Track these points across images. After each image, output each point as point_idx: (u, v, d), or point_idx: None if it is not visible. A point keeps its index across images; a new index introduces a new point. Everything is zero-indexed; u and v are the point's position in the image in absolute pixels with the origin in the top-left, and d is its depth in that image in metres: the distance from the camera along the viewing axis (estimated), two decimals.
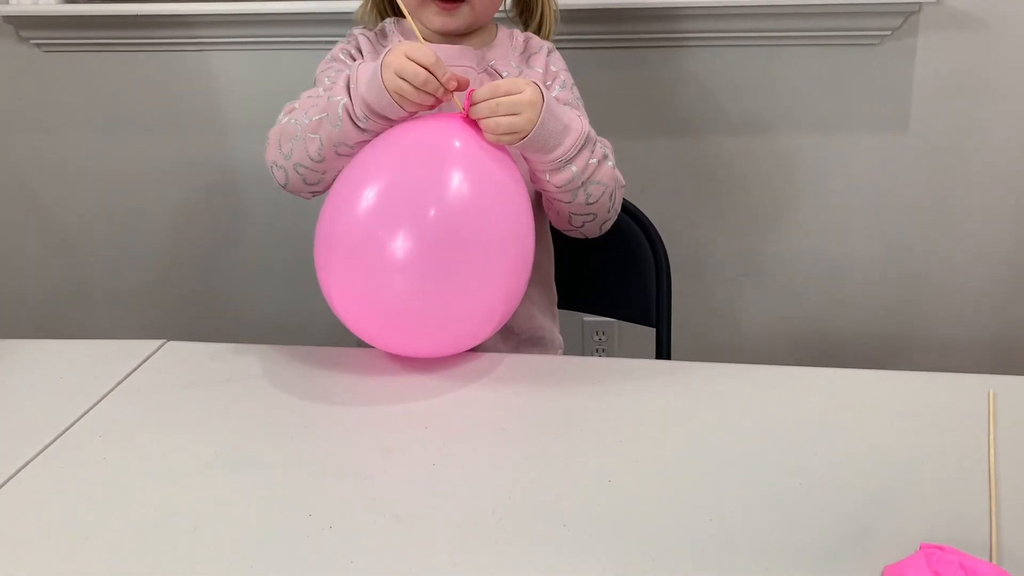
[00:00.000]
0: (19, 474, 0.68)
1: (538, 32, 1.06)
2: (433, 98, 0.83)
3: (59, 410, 0.77)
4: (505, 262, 0.82)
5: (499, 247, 0.82)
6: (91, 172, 1.60)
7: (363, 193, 0.80)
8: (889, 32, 1.38)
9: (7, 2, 1.49)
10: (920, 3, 1.35)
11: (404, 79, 0.81)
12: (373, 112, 0.84)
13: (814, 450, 0.69)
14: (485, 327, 0.85)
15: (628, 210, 1.14)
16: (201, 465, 0.69)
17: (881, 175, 1.47)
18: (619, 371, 0.84)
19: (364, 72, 0.85)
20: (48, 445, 0.72)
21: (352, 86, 0.86)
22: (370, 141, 0.87)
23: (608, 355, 1.61)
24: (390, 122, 0.87)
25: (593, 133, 0.89)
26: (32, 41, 1.52)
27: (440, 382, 0.82)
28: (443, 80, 0.82)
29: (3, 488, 0.67)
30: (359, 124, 0.86)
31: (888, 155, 1.45)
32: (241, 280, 1.64)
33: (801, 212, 1.50)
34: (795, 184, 1.49)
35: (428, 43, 0.86)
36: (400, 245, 0.77)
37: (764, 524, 0.60)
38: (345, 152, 0.88)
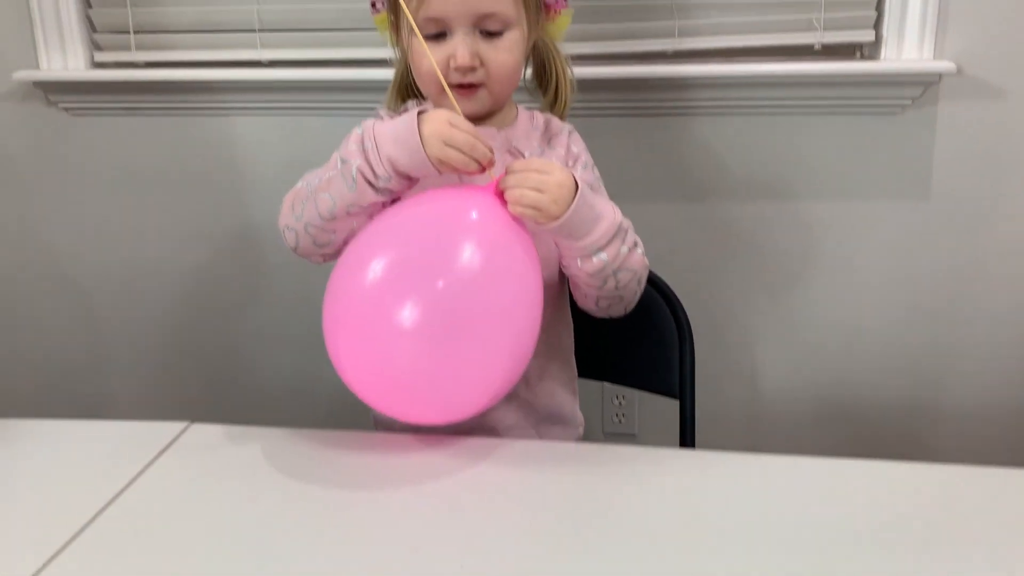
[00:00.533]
0: (48, 566, 0.68)
1: (554, 102, 1.07)
2: (479, 165, 0.85)
3: (88, 496, 0.77)
4: (510, 333, 0.83)
5: (505, 318, 0.82)
6: (113, 233, 1.61)
7: (373, 259, 0.81)
8: (910, 101, 1.39)
9: (38, 68, 1.52)
10: (940, 74, 1.35)
11: (453, 146, 0.83)
12: (398, 172, 0.85)
13: (846, 553, 0.68)
14: (488, 395, 0.85)
15: (650, 279, 1.14)
16: (227, 558, 0.68)
17: (903, 242, 1.46)
18: (642, 460, 0.84)
19: (386, 132, 0.86)
20: (77, 535, 0.71)
21: (369, 146, 0.86)
22: (384, 203, 0.88)
23: (628, 423, 1.60)
24: (411, 182, 0.88)
25: (626, 223, 0.91)
26: (60, 105, 1.55)
27: (460, 463, 0.82)
28: (486, 145, 0.85)
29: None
30: (377, 185, 0.86)
31: (909, 222, 1.45)
32: (258, 341, 1.64)
33: (822, 277, 1.50)
34: (815, 250, 1.48)
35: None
36: (407, 312, 0.78)
37: None
38: (357, 212, 0.89)
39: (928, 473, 0.80)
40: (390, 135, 0.85)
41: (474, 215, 0.84)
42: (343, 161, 0.88)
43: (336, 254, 0.91)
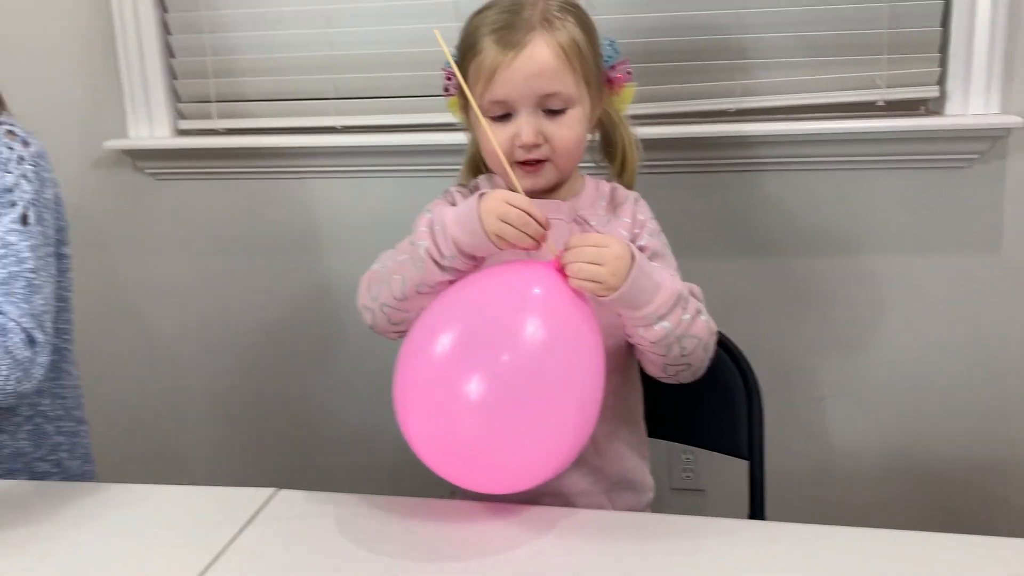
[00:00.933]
0: None
1: (621, 170, 1.10)
2: (532, 240, 0.88)
3: (186, 562, 0.81)
4: (573, 403, 0.85)
5: (568, 389, 0.85)
6: (193, 290, 1.68)
7: (440, 333, 0.85)
8: (977, 155, 1.38)
9: (127, 137, 1.61)
10: (1009, 128, 1.35)
11: (507, 222, 0.87)
12: (462, 252, 0.89)
13: None
14: (553, 465, 0.87)
15: (717, 340, 1.15)
16: None
17: (973, 296, 1.44)
18: (711, 532, 0.85)
19: (450, 214, 0.91)
20: None
21: (436, 228, 0.91)
22: (451, 281, 0.92)
23: (696, 480, 1.59)
24: (475, 262, 0.91)
25: (686, 291, 0.92)
26: (147, 170, 1.64)
27: (530, 533, 0.85)
28: (541, 221, 0.88)
29: None
30: (442, 264, 0.91)
31: (980, 276, 1.43)
32: (327, 396, 1.69)
33: (890, 331, 1.48)
34: (884, 304, 1.47)
35: (521, 195, 0.90)
36: (472, 385, 0.81)
37: None
38: (426, 291, 0.93)
39: (1006, 548, 0.79)
40: (454, 217, 0.91)
41: (536, 290, 0.87)
42: (413, 244, 0.93)
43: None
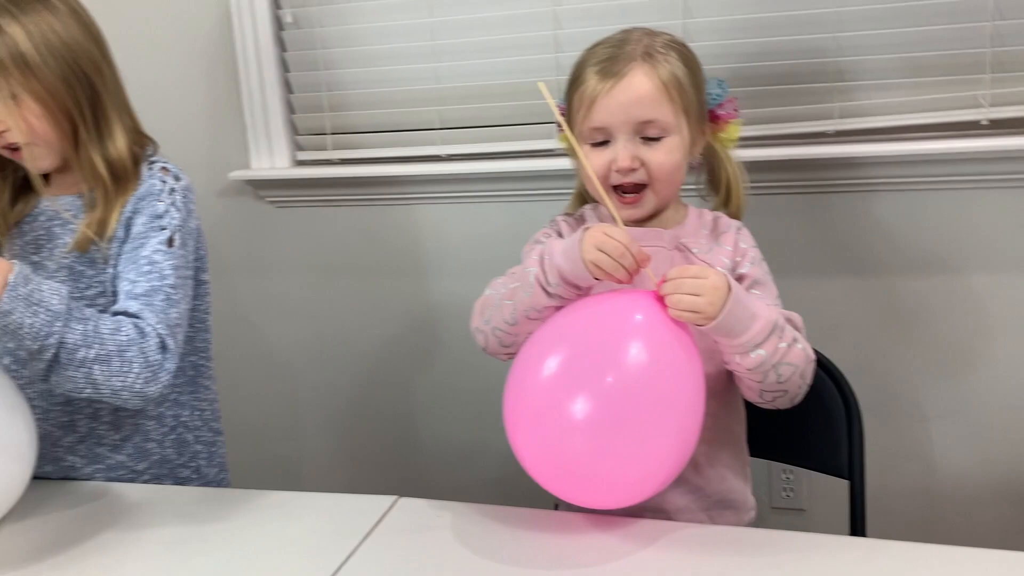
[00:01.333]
0: None
1: (726, 201, 1.13)
2: (626, 271, 0.92)
3: (317, 565, 0.88)
4: (673, 426, 0.89)
5: (668, 411, 0.88)
6: (309, 310, 1.79)
7: (548, 356, 0.91)
8: None
9: (249, 167, 1.73)
10: None
11: (603, 251, 0.91)
12: (565, 280, 0.94)
13: None
14: (653, 483, 0.91)
15: (817, 360, 1.15)
16: None
17: None
18: (812, 548, 0.87)
19: (558, 245, 0.96)
20: None
21: (546, 258, 0.96)
22: (559, 307, 0.97)
23: (796, 499, 1.59)
24: (578, 290, 0.96)
25: (782, 320, 0.95)
26: (267, 199, 1.76)
27: (632, 546, 0.89)
28: (636, 254, 0.91)
29: None
30: (549, 291, 0.96)
31: None
32: (432, 410, 1.77)
33: (998, 352, 1.46)
34: (989, 325, 1.45)
35: (620, 225, 0.95)
36: (578, 405, 0.86)
37: None
38: (535, 317, 0.98)
39: None
40: (561, 247, 0.96)
41: (638, 316, 0.91)
42: (525, 271, 0.99)
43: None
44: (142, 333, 1.02)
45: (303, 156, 1.73)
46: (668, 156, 1.02)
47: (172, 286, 1.07)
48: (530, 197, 1.61)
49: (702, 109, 1.07)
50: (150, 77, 1.73)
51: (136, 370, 1.00)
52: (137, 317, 1.03)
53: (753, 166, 1.36)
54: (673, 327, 0.91)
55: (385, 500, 0.99)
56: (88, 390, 0.99)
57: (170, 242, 1.09)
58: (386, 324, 1.76)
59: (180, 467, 1.19)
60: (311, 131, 1.72)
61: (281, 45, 1.68)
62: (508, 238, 1.62)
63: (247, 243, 1.79)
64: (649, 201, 1.04)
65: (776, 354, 0.93)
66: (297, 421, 1.86)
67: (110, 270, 1.11)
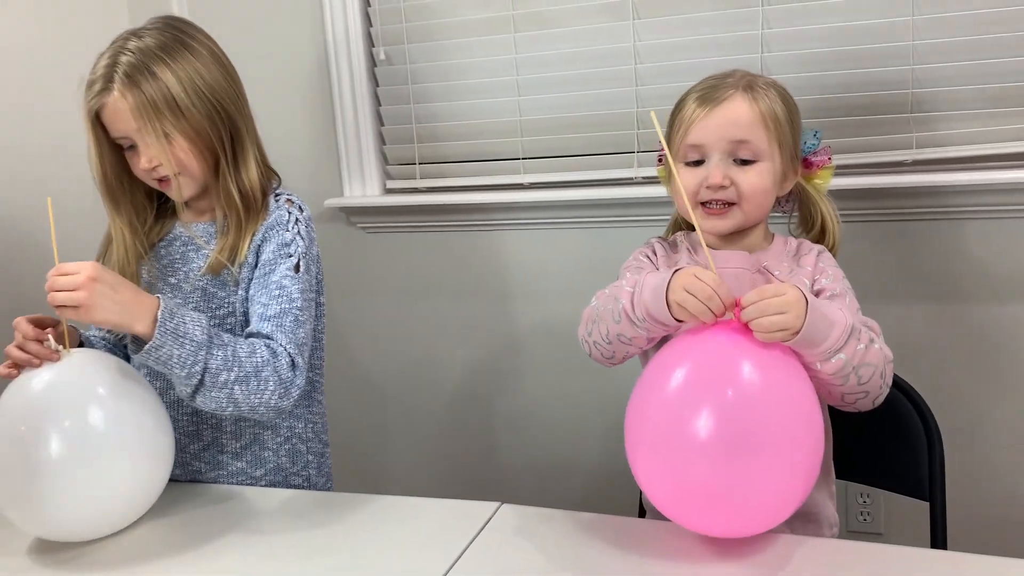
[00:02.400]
0: None
1: (820, 238, 1.17)
2: (712, 314, 0.94)
3: (429, 565, 0.95)
4: (799, 452, 0.90)
5: (793, 438, 0.90)
6: (399, 332, 1.88)
7: (666, 383, 0.93)
8: None
9: (342, 195, 1.84)
10: None
11: (690, 293, 0.94)
12: (650, 316, 0.99)
13: None
14: (778, 515, 0.93)
15: (896, 383, 1.18)
16: None
17: None
18: (901, 560, 0.90)
19: (651, 281, 1.00)
20: None
21: (636, 290, 1.01)
22: (648, 338, 1.02)
23: (873, 523, 1.61)
24: (665, 328, 1.00)
25: (858, 324, 0.97)
26: (359, 225, 1.85)
27: (737, 569, 0.92)
28: (725, 299, 0.93)
29: None
30: (636, 323, 1.01)
31: None
32: (516, 428, 1.83)
33: None
34: None
35: (707, 251, 0.99)
36: (701, 430, 0.87)
37: None
38: (625, 342, 1.03)
39: None
40: (652, 283, 0.99)
41: (737, 341, 0.93)
42: (616, 299, 1.03)
43: (623, 361, 1.07)
44: (274, 353, 1.10)
45: (392, 185, 1.82)
46: (759, 178, 1.07)
47: (299, 308, 1.16)
48: (607, 224, 1.67)
49: (796, 149, 1.12)
50: (256, 112, 1.85)
51: (271, 387, 1.09)
52: (269, 338, 1.12)
53: (832, 195, 1.40)
54: (775, 350, 0.93)
55: (489, 506, 1.06)
56: (230, 408, 1.08)
57: (296, 268, 1.18)
58: (469, 345, 1.83)
59: (293, 475, 1.28)
60: (400, 161, 1.81)
61: (374, 80, 1.78)
62: (585, 263, 1.70)
63: (340, 267, 1.88)
64: (735, 217, 1.09)
65: (856, 356, 0.95)
66: (387, 438, 1.94)
67: (240, 292, 1.20)
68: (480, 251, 1.78)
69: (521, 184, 1.71)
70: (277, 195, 1.25)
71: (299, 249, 1.19)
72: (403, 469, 1.94)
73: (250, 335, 1.13)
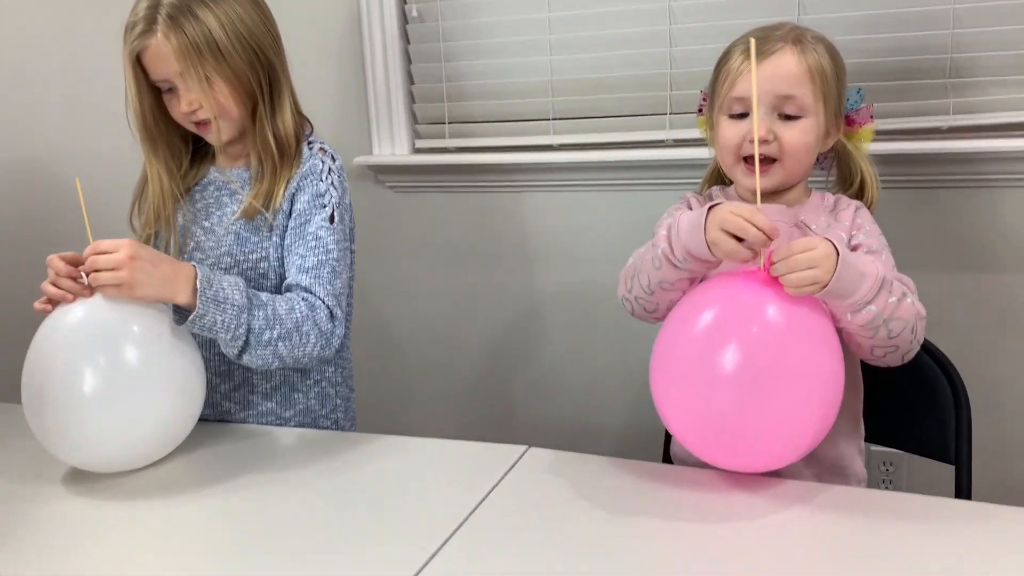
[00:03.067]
0: (428, 565, 0.86)
1: (859, 196, 1.17)
2: (750, 251, 0.95)
3: (455, 505, 0.96)
4: (817, 391, 0.93)
5: (813, 377, 0.92)
6: (425, 290, 1.88)
7: (694, 322, 0.95)
8: None
9: (371, 154, 1.84)
10: None
11: (725, 230, 0.95)
12: (690, 255, 0.99)
13: None
14: (796, 449, 0.95)
15: (925, 347, 1.18)
16: (573, 557, 0.85)
17: None
18: (931, 509, 0.90)
19: (685, 221, 1.00)
20: (455, 531, 0.91)
21: (673, 233, 1.01)
22: (690, 279, 1.02)
23: (896, 489, 1.61)
24: (708, 265, 1.00)
25: (890, 276, 0.97)
26: (387, 184, 1.86)
27: (761, 505, 0.93)
28: (766, 229, 0.93)
29: (430, 563, 0.85)
30: (678, 265, 1.01)
31: None
32: (540, 391, 1.84)
33: None
34: None
35: (745, 201, 1.00)
36: (726, 366, 0.90)
37: None
38: (668, 288, 1.04)
39: None
40: (687, 223, 1.00)
41: (764, 288, 0.94)
42: (654, 246, 1.04)
43: (666, 313, 1.06)
44: (312, 307, 1.14)
45: (421, 144, 1.82)
46: (802, 135, 1.06)
47: (336, 259, 1.18)
48: (638, 187, 1.67)
49: (840, 105, 1.11)
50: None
51: (313, 340, 1.12)
52: (308, 291, 1.15)
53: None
54: (802, 299, 0.94)
55: (516, 449, 1.07)
56: (276, 363, 1.12)
57: (331, 219, 1.20)
58: (494, 307, 1.84)
59: (322, 418, 1.29)
60: (430, 120, 1.81)
61: (405, 38, 1.78)
62: (615, 227, 1.69)
63: (366, 225, 1.87)
64: (776, 174, 1.08)
65: (887, 309, 0.95)
66: (409, 396, 1.95)
67: (274, 238, 1.22)
68: (508, 212, 1.78)
69: (551, 145, 1.71)
70: (310, 143, 1.27)
71: (333, 199, 1.21)
72: (423, 427, 1.95)
73: (288, 288, 1.17)
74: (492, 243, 1.81)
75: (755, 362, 0.91)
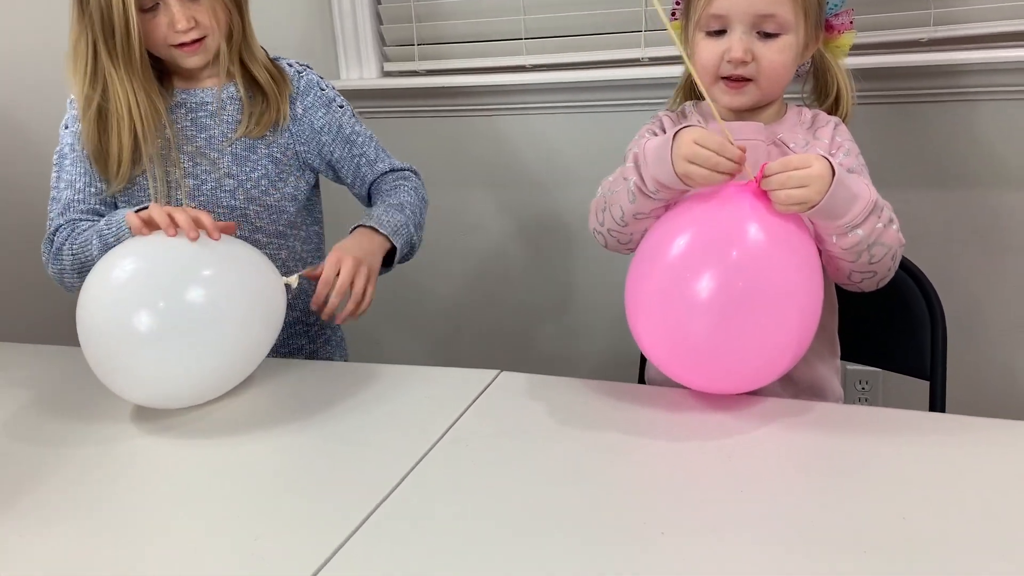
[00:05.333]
0: (411, 473, 0.86)
1: (834, 109, 1.13)
2: (724, 177, 0.92)
3: (431, 425, 0.95)
4: (795, 312, 0.90)
5: (790, 298, 0.90)
6: None
7: (669, 244, 0.92)
8: None
9: (339, 78, 1.78)
10: None
11: (694, 163, 0.92)
12: (662, 185, 0.96)
13: None
14: (773, 370, 0.94)
15: (902, 263, 1.17)
16: (545, 475, 0.84)
17: None
18: (906, 423, 0.90)
19: (651, 150, 0.97)
20: (431, 448, 0.91)
21: (641, 162, 0.98)
22: (665, 206, 0.99)
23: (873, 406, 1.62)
24: (681, 192, 0.98)
25: (881, 200, 0.96)
26: (356, 109, 1.79)
27: (736, 424, 0.92)
28: (734, 157, 0.91)
29: (398, 487, 0.84)
30: (651, 196, 0.98)
31: None
32: (517, 317, 1.83)
33: None
34: None
35: (720, 123, 0.96)
36: (701, 288, 0.88)
37: None
38: (643, 217, 1.01)
39: None
40: (654, 154, 0.96)
41: (748, 205, 0.92)
42: (625, 179, 1.01)
43: (638, 246, 1.03)
44: (407, 178, 1.32)
45: (390, 67, 1.77)
46: (780, 54, 1.03)
47: (377, 139, 1.34)
48: (613, 108, 1.63)
49: (820, 15, 1.07)
50: None
51: (425, 200, 1.33)
52: (393, 170, 1.32)
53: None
54: (784, 214, 0.92)
55: (488, 373, 1.05)
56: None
57: (353, 113, 1.33)
58: (468, 233, 1.81)
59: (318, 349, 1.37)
60: (399, 42, 1.75)
61: None
62: (591, 149, 1.66)
63: None
64: (751, 92, 1.05)
65: (873, 234, 0.94)
66: (382, 326, 1.93)
67: (274, 153, 1.26)
68: (482, 137, 1.74)
69: (523, 66, 1.66)
70: (287, 63, 1.30)
71: (340, 98, 1.32)
72: (397, 355, 1.94)
73: (379, 179, 1.31)
74: (464, 169, 1.77)
75: (731, 289, 0.88)
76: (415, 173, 1.33)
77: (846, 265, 0.99)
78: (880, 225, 0.95)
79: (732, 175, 0.92)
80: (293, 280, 1.07)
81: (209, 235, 1.02)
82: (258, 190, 1.24)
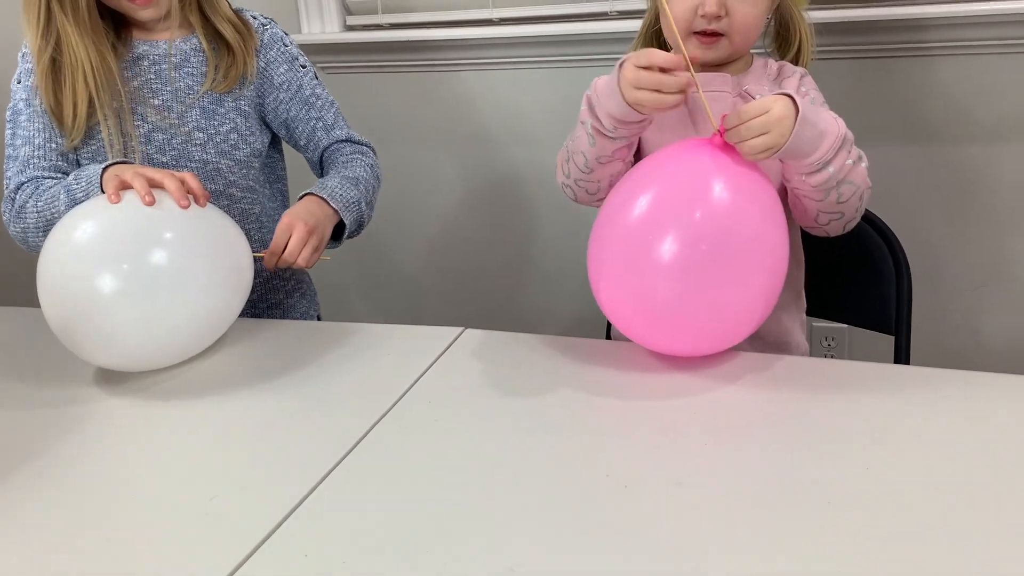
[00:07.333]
0: (373, 429, 0.85)
1: (796, 59, 1.12)
2: (675, 98, 0.90)
3: (394, 381, 0.94)
4: (762, 269, 0.89)
5: (757, 255, 0.88)
6: None
7: (632, 203, 0.89)
8: None
9: (300, 32, 1.73)
10: None
11: (640, 88, 0.90)
12: (620, 122, 0.95)
13: None
14: (741, 331, 0.92)
15: (867, 218, 1.17)
16: (508, 430, 0.84)
17: None
18: (870, 375, 0.90)
19: (602, 87, 0.95)
20: (391, 407, 0.89)
21: (595, 102, 0.96)
22: (627, 146, 0.98)
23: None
24: (640, 126, 0.96)
25: (850, 134, 0.94)
26: (318, 64, 1.75)
27: (701, 380, 0.91)
28: (673, 65, 0.88)
29: (360, 443, 0.83)
30: (611, 136, 0.96)
31: None
32: (486, 275, 1.81)
33: None
34: None
35: (693, 74, 0.93)
36: (666, 248, 0.85)
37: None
38: (607, 160, 0.99)
39: None
40: (605, 88, 0.94)
41: (711, 160, 0.89)
42: (582, 122, 0.99)
43: (609, 190, 1.00)
44: (363, 152, 1.28)
45: (353, 21, 1.72)
46: (754, 8, 1.01)
47: (338, 106, 1.31)
48: (581, 63, 1.60)
49: None
50: None
51: (378, 177, 1.29)
52: (348, 141, 1.28)
53: (817, 29, 1.34)
54: (749, 169, 0.90)
55: (452, 331, 1.04)
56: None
57: (315, 75, 1.29)
58: (433, 190, 1.79)
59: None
60: None
61: None
62: (560, 105, 1.63)
63: None
64: (723, 47, 1.03)
65: (842, 171, 0.92)
66: (346, 284, 1.91)
67: (243, 107, 1.23)
68: (448, 92, 1.71)
69: (490, 20, 1.63)
70: (251, 15, 1.26)
71: (305, 58, 1.29)
72: (360, 313, 1.92)
73: (333, 147, 1.28)
74: (429, 125, 1.74)
75: (694, 251, 0.85)
76: (372, 150, 1.30)
77: (813, 205, 0.98)
78: (850, 162, 0.93)
79: (682, 92, 0.90)
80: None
81: (196, 201, 0.99)
82: (228, 144, 1.22)
